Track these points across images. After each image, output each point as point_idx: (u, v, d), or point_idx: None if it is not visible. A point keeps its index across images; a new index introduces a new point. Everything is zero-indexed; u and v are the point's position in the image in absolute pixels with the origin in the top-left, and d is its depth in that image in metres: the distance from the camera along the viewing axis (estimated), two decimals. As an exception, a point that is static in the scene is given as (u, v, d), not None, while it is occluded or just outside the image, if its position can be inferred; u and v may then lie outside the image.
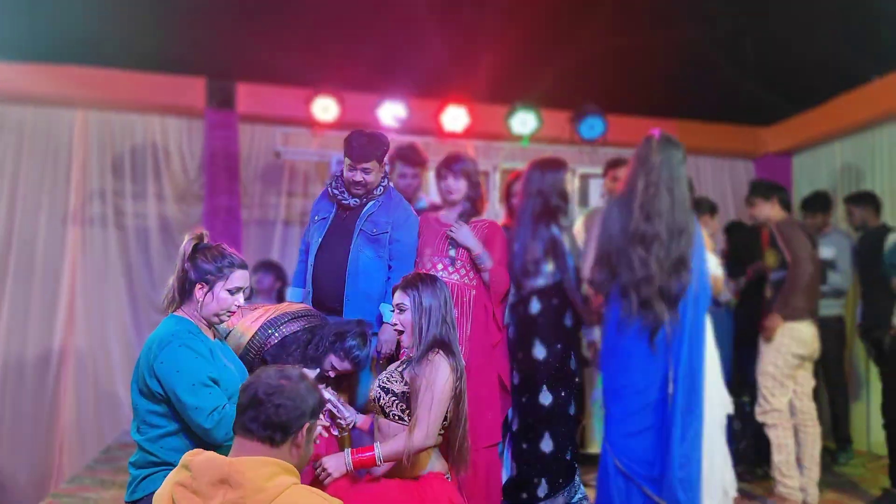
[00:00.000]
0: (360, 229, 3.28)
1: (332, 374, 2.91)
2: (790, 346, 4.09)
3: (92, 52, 5.45)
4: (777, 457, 4.06)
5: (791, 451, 4.07)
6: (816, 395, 4.99)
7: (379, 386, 2.62)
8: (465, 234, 3.33)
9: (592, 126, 5.97)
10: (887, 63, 5.52)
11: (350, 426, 2.70)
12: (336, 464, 2.47)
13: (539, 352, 3.48)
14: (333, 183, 3.39)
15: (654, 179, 3.00)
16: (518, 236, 3.68)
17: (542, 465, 3.44)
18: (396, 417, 2.57)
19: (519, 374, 3.47)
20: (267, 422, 1.81)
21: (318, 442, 2.53)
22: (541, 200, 3.62)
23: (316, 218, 3.40)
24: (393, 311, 2.71)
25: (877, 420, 5.65)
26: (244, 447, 1.83)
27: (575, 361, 3.55)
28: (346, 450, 2.51)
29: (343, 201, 3.32)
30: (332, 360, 2.88)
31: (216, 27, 5.26)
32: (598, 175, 5.93)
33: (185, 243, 2.50)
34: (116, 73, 5.70)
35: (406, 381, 2.57)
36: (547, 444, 3.40)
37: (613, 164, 4.55)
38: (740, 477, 3.69)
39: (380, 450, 2.48)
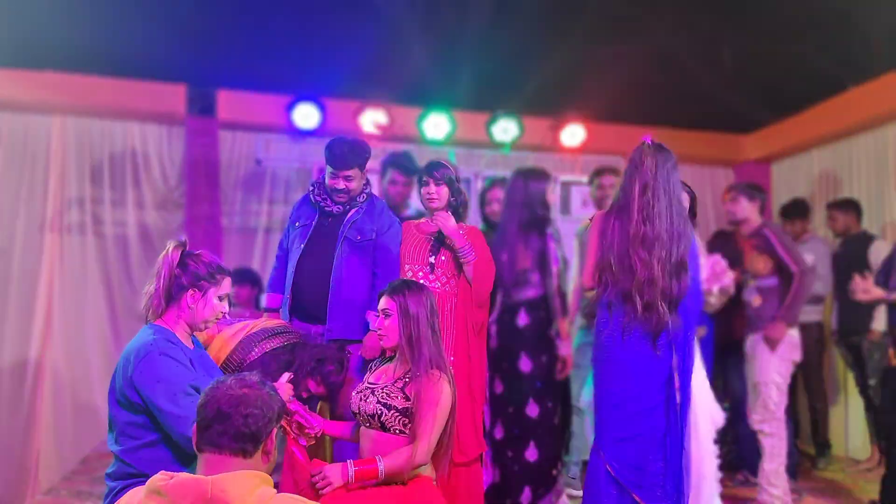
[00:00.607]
0: (345, 236, 3.27)
1: (305, 395, 2.90)
2: (791, 353, 4.12)
3: (71, 57, 5.39)
4: (768, 465, 4.06)
5: (783, 461, 4.08)
6: (796, 400, 5.06)
7: (378, 402, 2.62)
8: (452, 225, 3.28)
9: (574, 134, 6.00)
10: (863, 72, 5.60)
11: (318, 434, 2.70)
12: (337, 474, 2.47)
13: (525, 364, 3.48)
14: (316, 190, 3.38)
15: (650, 183, 3.01)
16: (504, 246, 3.67)
17: (527, 474, 3.43)
18: (398, 431, 2.59)
19: (504, 383, 3.47)
20: (237, 434, 1.78)
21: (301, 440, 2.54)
22: (527, 211, 3.62)
23: (297, 224, 3.39)
24: (378, 316, 2.71)
25: (854, 425, 5.71)
26: (214, 462, 1.78)
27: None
28: (348, 461, 2.52)
29: (326, 208, 3.31)
30: (310, 383, 2.89)
31: (197, 33, 5.24)
32: (580, 183, 5.96)
33: (172, 250, 2.49)
34: (95, 80, 5.65)
35: (407, 397, 2.59)
36: (532, 454, 3.40)
37: (599, 173, 4.56)
38: (721, 483, 3.69)
39: (382, 464, 2.49)
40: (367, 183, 3.40)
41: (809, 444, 5.57)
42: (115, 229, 5.88)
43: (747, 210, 4.33)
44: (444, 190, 3.39)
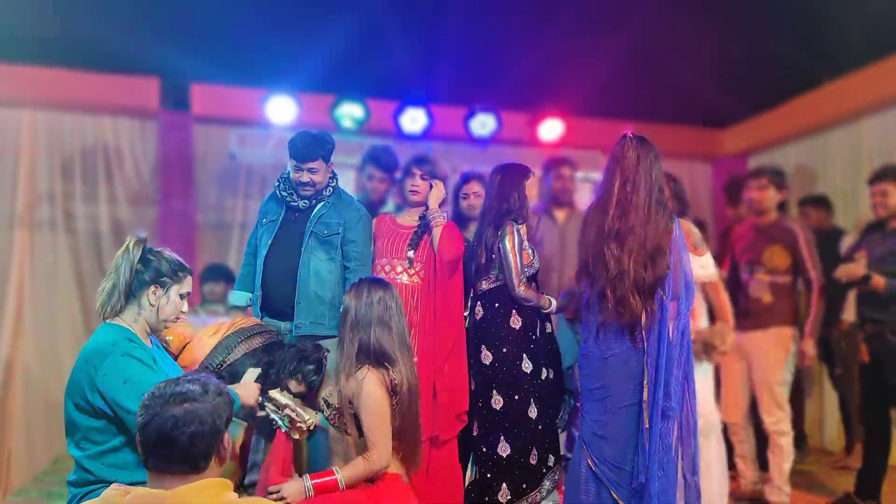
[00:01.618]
0: (311, 231, 3.25)
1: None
2: (794, 352, 4.10)
3: (41, 50, 5.29)
4: (787, 465, 4.01)
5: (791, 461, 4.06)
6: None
7: (322, 399, 2.61)
8: (432, 193, 3.37)
9: (551, 128, 5.99)
10: (838, 66, 5.63)
11: (310, 427, 2.67)
12: (294, 492, 2.44)
13: (486, 357, 3.47)
14: (281, 185, 3.35)
15: (631, 176, 2.99)
16: (474, 240, 3.66)
17: (500, 470, 3.41)
18: (343, 430, 2.61)
19: (473, 379, 3.45)
20: (185, 456, 1.68)
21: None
22: (496, 204, 3.60)
23: (264, 220, 3.36)
24: None
25: (830, 417, 5.76)
26: (165, 480, 1.68)
27: (531, 364, 3.51)
28: (304, 476, 2.48)
29: (292, 203, 3.29)
30: (290, 384, 2.85)
31: (170, 26, 5.15)
32: (557, 177, 5.94)
33: (133, 246, 2.42)
34: (66, 73, 5.55)
35: (342, 397, 2.59)
36: (504, 448, 3.37)
37: (558, 163, 4.50)
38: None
39: (341, 475, 2.47)
40: (334, 176, 3.38)
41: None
42: (87, 225, 5.79)
43: (773, 200, 4.16)
44: (428, 184, 3.39)
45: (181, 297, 2.48)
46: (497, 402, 3.41)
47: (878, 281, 3.78)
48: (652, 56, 5.65)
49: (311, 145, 3.22)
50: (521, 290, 3.39)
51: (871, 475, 4.01)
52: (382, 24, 5.21)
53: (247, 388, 2.60)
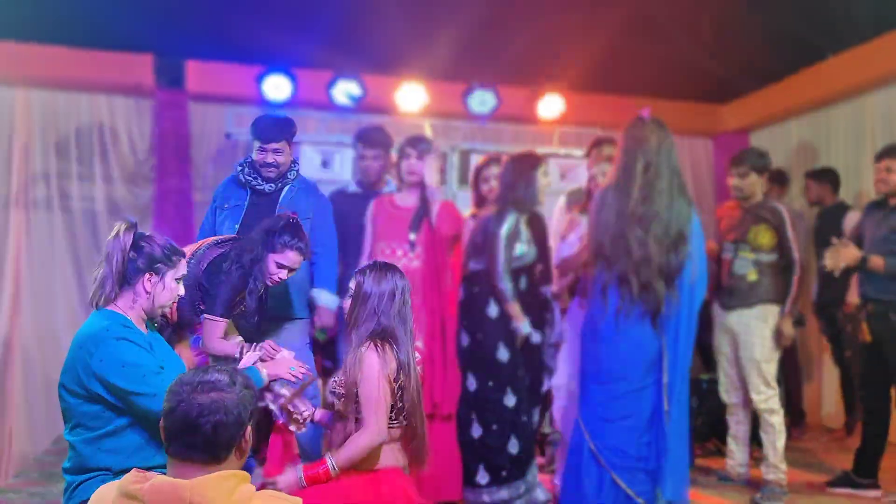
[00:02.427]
0: None
1: (284, 274, 2.85)
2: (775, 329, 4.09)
3: (34, 28, 5.21)
4: (780, 442, 4.00)
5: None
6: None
7: (330, 391, 2.58)
8: (426, 167, 3.33)
9: (551, 105, 5.92)
10: (842, 41, 5.55)
11: (308, 419, 2.65)
12: (288, 482, 2.42)
13: (463, 339, 3.46)
14: (245, 169, 3.35)
15: (654, 160, 2.96)
16: (476, 222, 3.65)
17: (474, 451, 3.41)
18: (355, 419, 2.53)
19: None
20: (207, 445, 1.67)
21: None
22: (505, 193, 3.58)
23: (225, 205, 3.35)
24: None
25: (829, 394, 5.77)
26: (186, 469, 1.68)
27: (508, 353, 3.48)
28: (297, 466, 2.46)
29: (258, 187, 3.28)
30: (274, 259, 2.81)
31: (164, 2, 5.07)
32: (557, 155, 5.90)
33: (123, 233, 2.35)
34: (60, 51, 5.47)
35: (345, 380, 2.54)
36: (476, 430, 3.39)
37: (598, 143, 4.45)
38: (693, 452, 3.70)
39: (332, 461, 2.43)
40: (296, 162, 3.41)
41: (785, 414, 5.62)
42: (82, 204, 5.76)
43: (755, 185, 4.15)
44: (424, 165, 3.36)
45: (177, 281, 2.44)
46: (471, 384, 3.42)
47: (877, 262, 3.75)
48: (652, 30, 5.56)
49: (275, 126, 3.27)
50: (501, 282, 3.38)
51: (870, 454, 4.01)
52: (379, 0, 5.14)
53: (279, 363, 2.59)
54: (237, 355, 2.82)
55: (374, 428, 2.45)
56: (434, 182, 3.44)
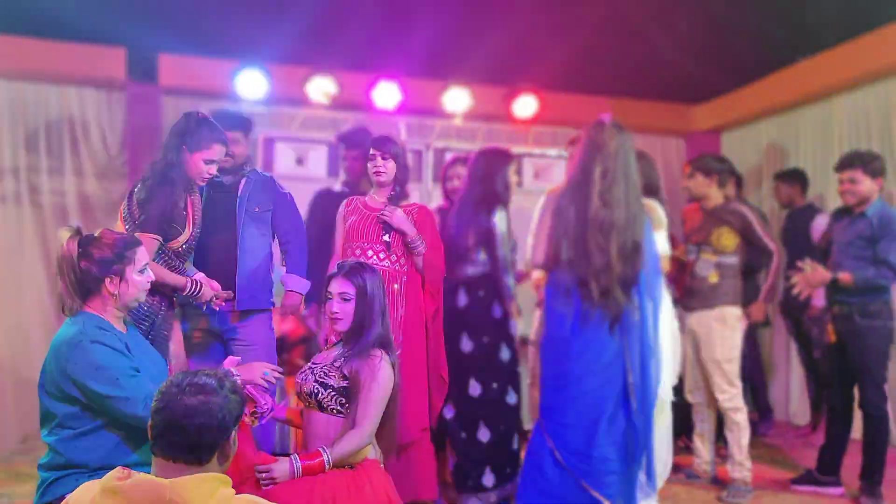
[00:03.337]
0: (245, 209, 3.32)
1: (213, 169, 3.00)
2: (741, 327, 4.15)
3: (1, 18, 5.12)
4: (745, 440, 4.07)
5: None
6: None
7: (315, 381, 2.59)
8: (400, 218, 3.27)
9: (526, 104, 5.94)
10: (813, 44, 5.63)
11: (268, 414, 2.66)
12: (283, 471, 2.43)
13: (466, 345, 3.46)
14: None
15: (612, 167, 2.98)
16: (454, 223, 3.63)
17: (482, 455, 3.43)
18: (335, 412, 2.57)
19: (448, 365, 3.46)
20: (191, 446, 1.70)
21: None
22: (481, 188, 3.58)
23: None
24: (331, 298, 2.67)
25: (796, 392, 5.88)
26: (169, 468, 1.71)
27: (509, 352, 3.53)
28: (293, 455, 2.48)
29: (216, 179, 3.25)
30: (200, 158, 2.95)
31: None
32: (532, 154, 5.93)
33: (67, 243, 2.33)
34: (28, 42, 5.37)
35: (346, 376, 2.56)
36: (484, 434, 3.41)
37: (575, 143, 4.47)
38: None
39: (328, 454, 2.47)
40: (250, 157, 3.49)
41: (752, 410, 5.72)
42: (53, 199, 5.67)
43: (702, 185, 4.26)
44: (392, 164, 3.33)
45: (139, 273, 2.41)
46: (475, 389, 3.43)
47: (845, 278, 3.85)
48: (627, 30, 5.60)
49: (230, 117, 3.37)
50: (506, 276, 3.41)
51: (833, 452, 4.11)
52: (355, -4, 5.12)
53: (250, 371, 2.58)
54: (188, 291, 2.92)
55: (369, 430, 2.52)
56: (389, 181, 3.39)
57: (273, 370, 2.60)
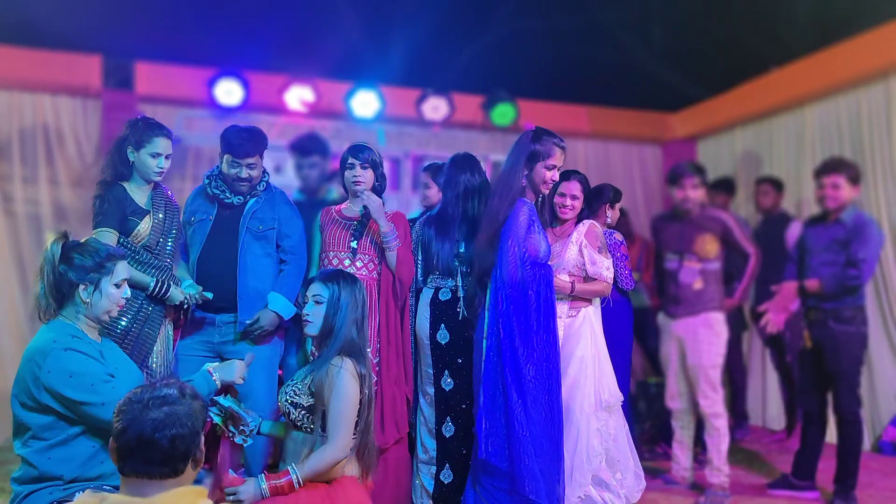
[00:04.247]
0: (247, 227, 3.26)
1: (163, 162, 3.04)
2: (726, 333, 4.18)
3: (-27, 25, 5.09)
4: (724, 445, 4.09)
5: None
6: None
7: (287, 401, 2.57)
8: (378, 206, 3.25)
9: (504, 113, 5.97)
10: (785, 54, 5.73)
11: (255, 432, 2.63)
12: (249, 493, 2.40)
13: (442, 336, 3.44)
14: (213, 182, 3.31)
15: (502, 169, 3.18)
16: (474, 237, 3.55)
17: (443, 450, 3.41)
18: (309, 429, 2.55)
19: (455, 379, 3.40)
20: (165, 458, 1.67)
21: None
22: (476, 198, 3.57)
23: (193, 219, 3.32)
24: (307, 301, 2.66)
25: (773, 398, 5.94)
26: (143, 485, 1.67)
27: None
28: (259, 476, 2.45)
29: (226, 200, 3.26)
30: (148, 153, 3.02)
31: (112, 2, 4.99)
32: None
33: (51, 245, 2.35)
34: (1, 49, 5.31)
35: (312, 393, 2.53)
36: (448, 429, 3.39)
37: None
38: (641, 456, 3.76)
39: (297, 474, 2.43)
40: (265, 172, 3.39)
41: (729, 416, 5.77)
42: (26, 208, 5.60)
43: (701, 195, 4.23)
44: (370, 173, 3.33)
45: (116, 286, 2.40)
46: (447, 384, 3.42)
47: (812, 285, 3.92)
48: (604, 40, 5.67)
49: (250, 141, 3.22)
50: None
51: (808, 456, 4.15)
52: (333, 5, 5.13)
53: (230, 368, 2.57)
54: (152, 290, 2.94)
55: (342, 444, 2.47)
56: (365, 188, 3.37)
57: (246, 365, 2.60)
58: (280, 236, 3.31)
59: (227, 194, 3.27)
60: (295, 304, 3.32)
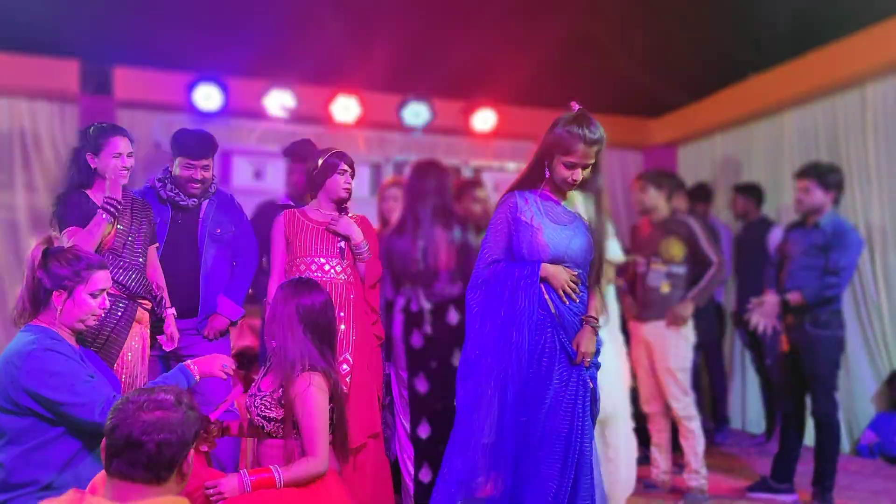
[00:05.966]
0: (208, 232, 3.32)
1: (125, 161, 2.98)
2: (692, 337, 4.20)
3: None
4: (700, 447, 4.11)
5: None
6: (698, 377, 5.23)
7: (258, 415, 2.55)
8: (348, 225, 3.23)
9: (485, 118, 5.99)
10: (764, 60, 5.78)
11: (221, 433, 2.62)
12: (232, 487, 2.37)
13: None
14: (167, 185, 3.32)
15: None
16: (419, 240, 3.56)
17: (420, 451, 3.41)
18: (284, 436, 2.53)
19: (430, 381, 3.42)
20: (150, 463, 1.66)
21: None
22: (441, 203, 3.56)
23: None
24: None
25: (752, 400, 5.98)
26: (125, 490, 1.66)
27: None
28: (242, 471, 2.43)
29: (181, 202, 3.28)
30: (110, 154, 2.97)
31: (90, 5, 4.94)
32: (491, 168, 5.98)
33: (34, 249, 2.37)
34: (-24, 54, 5.28)
35: (282, 405, 2.52)
36: (423, 431, 3.39)
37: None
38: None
39: (280, 475, 2.42)
40: (215, 178, 3.46)
41: (709, 419, 5.80)
42: (2, 214, 5.54)
43: (654, 198, 4.33)
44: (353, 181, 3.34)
45: (92, 295, 2.39)
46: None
47: (795, 297, 3.97)
48: (585, 45, 5.69)
49: (206, 143, 3.29)
50: None
51: (787, 459, 4.18)
52: (313, 10, 5.12)
53: (211, 361, 2.56)
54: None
55: (322, 457, 2.47)
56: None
57: (231, 363, 2.59)
58: (236, 238, 3.40)
59: (181, 197, 3.28)
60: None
